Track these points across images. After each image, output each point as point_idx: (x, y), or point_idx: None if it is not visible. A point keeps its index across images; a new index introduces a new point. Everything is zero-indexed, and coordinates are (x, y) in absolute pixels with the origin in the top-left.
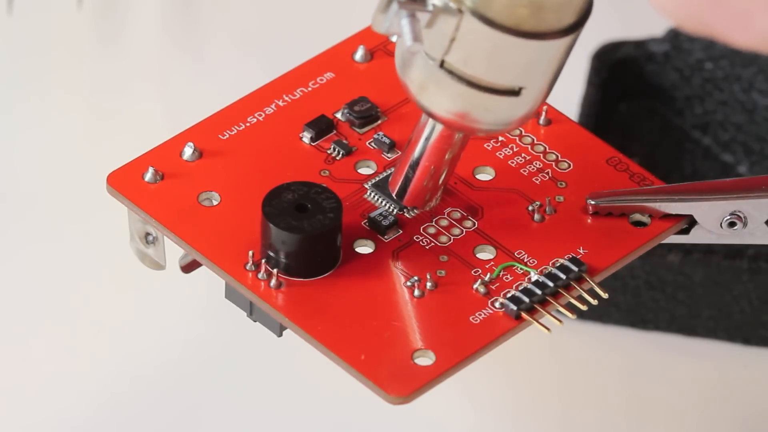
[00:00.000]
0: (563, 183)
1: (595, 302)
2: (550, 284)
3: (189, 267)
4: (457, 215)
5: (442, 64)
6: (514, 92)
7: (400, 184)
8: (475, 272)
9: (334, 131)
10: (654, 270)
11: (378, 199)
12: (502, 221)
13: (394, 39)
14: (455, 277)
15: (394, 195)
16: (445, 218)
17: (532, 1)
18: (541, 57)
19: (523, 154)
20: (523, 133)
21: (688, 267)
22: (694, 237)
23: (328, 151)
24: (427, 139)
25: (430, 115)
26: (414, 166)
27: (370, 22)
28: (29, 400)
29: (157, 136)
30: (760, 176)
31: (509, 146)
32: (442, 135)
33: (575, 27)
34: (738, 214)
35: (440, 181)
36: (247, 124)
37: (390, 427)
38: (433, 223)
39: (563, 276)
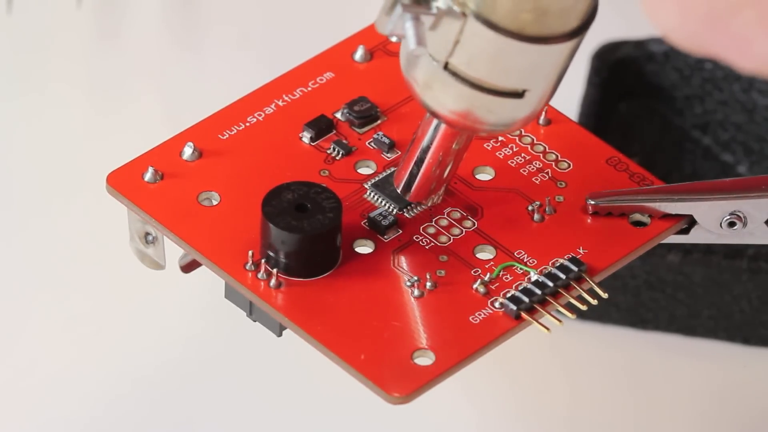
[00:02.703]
0: (563, 183)
1: (594, 302)
2: (550, 284)
3: (189, 267)
4: (457, 215)
5: (446, 66)
6: (518, 94)
7: (405, 179)
8: (474, 272)
9: (334, 131)
10: (654, 270)
11: (378, 199)
12: (501, 221)
13: (395, 39)
14: (455, 277)
15: (399, 190)
16: (444, 218)
17: (535, 6)
18: (544, 60)
19: (522, 154)
20: (523, 133)
21: (687, 267)
22: (694, 237)
23: (328, 151)
24: (432, 135)
25: (434, 114)
26: (419, 162)
27: (370, 22)
28: (29, 400)
29: (156, 136)
30: (760, 176)
31: (509, 146)
32: (446, 133)
33: (579, 31)
34: (738, 214)
35: (444, 177)
36: (247, 124)
37: (390, 427)
38: (433, 223)
39: (563, 276)
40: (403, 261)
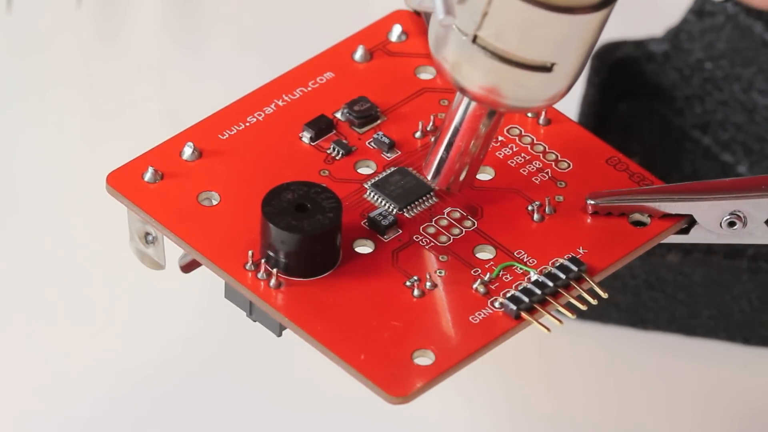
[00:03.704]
0: (563, 183)
1: (594, 302)
2: (550, 284)
3: (188, 267)
4: (457, 215)
5: (474, 39)
6: (546, 68)
7: (435, 165)
8: (474, 272)
9: (334, 131)
10: (654, 270)
11: (378, 199)
12: (501, 221)
13: (394, 39)
14: (455, 276)
15: (429, 177)
16: (444, 218)
17: None
18: (572, 32)
19: (522, 154)
20: (523, 133)
21: (687, 267)
22: (694, 237)
23: (328, 151)
24: (461, 119)
25: (463, 91)
26: (448, 147)
27: (370, 22)
28: (28, 399)
29: (156, 136)
30: (760, 176)
31: (509, 146)
32: (474, 114)
33: (608, 2)
34: (738, 213)
35: (474, 161)
36: (247, 124)
37: (390, 427)
38: (433, 223)
39: (563, 276)
40: (402, 261)
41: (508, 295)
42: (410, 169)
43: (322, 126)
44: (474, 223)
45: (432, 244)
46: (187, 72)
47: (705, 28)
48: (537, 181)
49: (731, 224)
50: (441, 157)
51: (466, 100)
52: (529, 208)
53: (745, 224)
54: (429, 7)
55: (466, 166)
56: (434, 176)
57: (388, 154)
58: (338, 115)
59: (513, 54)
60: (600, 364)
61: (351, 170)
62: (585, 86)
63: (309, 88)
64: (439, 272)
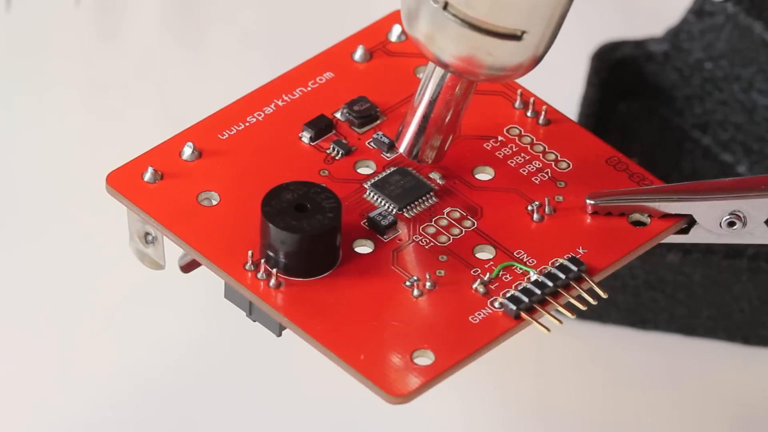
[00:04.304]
0: (563, 183)
1: (594, 302)
2: (550, 284)
3: (188, 267)
4: (457, 215)
5: (445, 7)
6: (516, 36)
7: (408, 136)
8: (474, 272)
9: (334, 131)
10: (654, 270)
11: (377, 199)
12: (501, 221)
13: (394, 39)
14: (454, 276)
15: (401, 151)
16: (444, 218)
17: None
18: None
19: (522, 154)
20: (523, 133)
21: (687, 267)
22: (694, 237)
23: (328, 151)
24: (434, 88)
25: (438, 63)
26: (423, 119)
27: (370, 22)
28: (28, 400)
29: (156, 136)
30: (760, 176)
31: (508, 146)
32: (447, 85)
33: None
34: (737, 213)
35: (448, 131)
36: (247, 124)
37: (390, 427)
38: (433, 223)
39: (563, 276)
40: (402, 261)
41: (508, 295)
42: (410, 169)
43: (321, 126)
44: (474, 223)
45: (432, 244)
46: (187, 72)
47: (705, 28)
48: (537, 181)
49: (731, 224)
50: (415, 128)
51: (438, 70)
52: (529, 208)
53: (744, 224)
54: None
55: (439, 137)
56: (407, 148)
57: (388, 154)
58: (338, 115)
59: (483, 21)
60: (600, 364)
61: (351, 170)
62: (585, 86)
63: (309, 88)
64: (439, 272)
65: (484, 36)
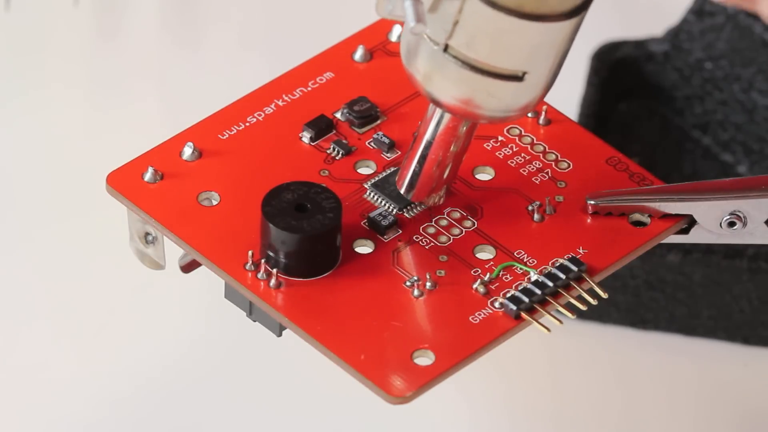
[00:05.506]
0: (563, 183)
1: (594, 302)
2: (550, 284)
3: (188, 267)
4: (457, 215)
5: (446, 49)
6: (518, 77)
7: (407, 178)
8: (474, 272)
9: (334, 131)
10: (654, 270)
11: (377, 199)
12: (501, 221)
13: (394, 39)
14: (455, 277)
15: (402, 191)
16: (444, 218)
17: None
18: (543, 40)
19: (522, 154)
20: (523, 133)
21: (687, 267)
22: (694, 237)
23: (328, 151)
24: (434, 130)
25: (436, 103)
26: (422, 159)
27: (370, 22)
28: (28, 400)
29: (156, 136)
30: (760, 176)
31: (509, 146)
32: (448, 126)
33: (578, 10)
34: (737, 213)
35: (447, 175)
36: (247, 124)
37: (390, 427)
38: (433, 223)
39: (563, 276)
40: (403, 261)
41: (508, 295)
42: None
43: (322, 126)
44: (474, 223)
45: (432, 244)
46: (187, 72)
47: (705, 28)
48: (537, 181)
49: (731, 224)
50: (414, 170)
51: (438, 111)
52: (529, 208)
53: (745, 224)
54: (400, 16)
55: (439, 179)
56: (408, 190)
57: (388, 154)
58: (338, 115)
59: (484, 63)
60: (600, 364)
61: (351, 170)
62: (585, 86)
63: (309, 88)
64: (439, 272)
65: (486, 77)
